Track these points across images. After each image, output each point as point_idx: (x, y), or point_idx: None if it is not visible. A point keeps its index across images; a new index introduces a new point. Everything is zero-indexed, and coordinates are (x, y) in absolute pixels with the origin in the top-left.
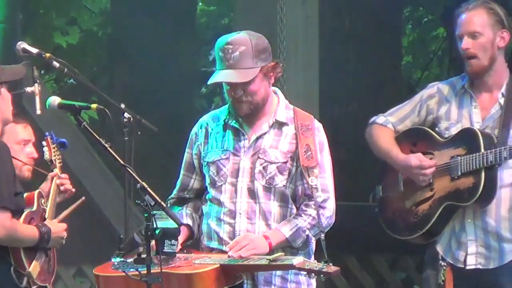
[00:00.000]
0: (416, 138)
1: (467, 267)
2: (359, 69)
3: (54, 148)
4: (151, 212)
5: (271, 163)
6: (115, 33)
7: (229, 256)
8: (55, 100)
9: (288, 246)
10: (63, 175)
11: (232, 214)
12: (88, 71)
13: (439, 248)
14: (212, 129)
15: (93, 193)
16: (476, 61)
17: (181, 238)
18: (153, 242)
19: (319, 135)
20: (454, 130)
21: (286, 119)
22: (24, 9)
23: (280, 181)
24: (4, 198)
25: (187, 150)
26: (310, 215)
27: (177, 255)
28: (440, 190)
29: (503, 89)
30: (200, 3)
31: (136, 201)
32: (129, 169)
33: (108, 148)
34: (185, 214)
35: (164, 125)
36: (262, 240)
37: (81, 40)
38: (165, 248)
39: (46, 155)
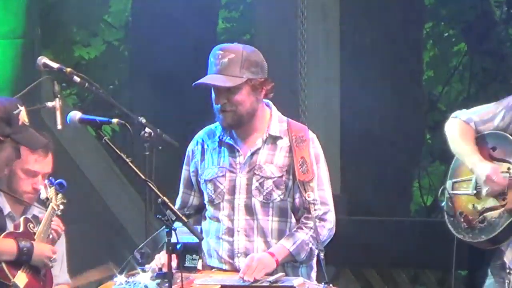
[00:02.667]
0: (496, 143)
1: None
2: (380, 84)
3: (52, 190)
4: (172, 227)
5: (267, 178)
6: (136, 48)
7: (244, 281)
8: (76, 114)
9: (292, 261)
10: (56, 219)
11: (230, 232)
12: (109, 85)
13: (507, 259)
14: (207, 146)
15: (113, 207)
16: None
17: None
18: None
19: (314, 146)
20: None
21: (280, 132)
22: (44, 24)
23: (278, 195)
24: None
25: (184, 167)
26: (311, 228)
27: (177, 276)
28: None
29: None
30: (221, 20)
31: (157, 216)
32: (150, 184)
33: (130, 163)
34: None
35: (185, 140)
36: (269, 258)
37: (102, 54)
38: (186, 263)
39: (43, 195)
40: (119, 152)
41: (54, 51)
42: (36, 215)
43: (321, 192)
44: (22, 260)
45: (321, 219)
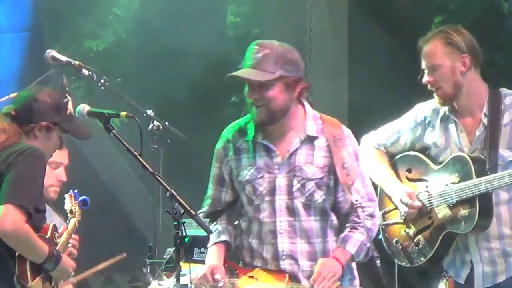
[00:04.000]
0: (410, 164)
1: None
2: (388, 78)
3: (75, 204)
4: (181, 220)
5: (309, 180)
6: (145, 40)
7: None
8: (84, 108)
9: (351, 262)
10: (75, 236)
11: (273, 234)
12: (117, 78)
13: (444, 263)
14: (240, 145)
15: (123, 201)
16: (441, 91)
17: (221, 258)
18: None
19: (352, 143)
20: (444, 156)
21: (317, 131)
22: (51, 17)
23: (320, 196)
24: (27, 201)
25: (215, 164)
26: (366, 227)
27: (223, 279)
28: (438, 218)
29: (484, 109)
30: (230, 14)
31: (166, 209)
32: (158, 177)
33: (138, 156)
34: (220, 230)
35: (193, 133)
36: (336, 264)
37: (111, 46)
38: (194, 256)
39: (67, 206)
40: (127, 145)
41: (62, 44)
42: (56, 225)
43: (367, 188)
44: (45, 266)
45: (372, 215)
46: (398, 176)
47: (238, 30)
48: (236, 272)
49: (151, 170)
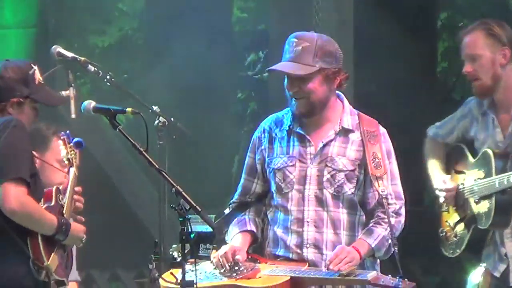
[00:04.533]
0: (457, 156)
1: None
2: (394, 74)
3: (70, 147)
4: (186, 216)
5: (340, 171)
6: (150, 37)
7: (328, 269)
8: (90, 104)
9: (371, 256)
10: (77, 188)
11: (300, 222)
12: (123, 74)
13: (482, 255)
14: (276, 134)
15: (128, 197)
16: (479, 83)
17: (245, 245)
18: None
19: (386, 141)
20: (481, 151)
21: (352, 125)
22: (57, 13)
23: (349, 189)
24: (20, 170)
25: (249, 154)
26: (388, 223)
27: (243, 264)
28: (468, 212)
29: None
30: (236, 10)
31: (171, 205)
32: (164, 173)
33: (143, 152)
34: (248, 220)
35: (199, 129)
36: (355, 252)
37: (116, 42)
38: (200, 252)
39: (63, 153)
40: (133, 142)
41: (67, 40)
42: (59, 188)
43: (395, 186)
44: (57, 237)
45: (397, 213)
46: (450, 167)
47: (244, 26)
48: (258, 261)
49: (156, 166)
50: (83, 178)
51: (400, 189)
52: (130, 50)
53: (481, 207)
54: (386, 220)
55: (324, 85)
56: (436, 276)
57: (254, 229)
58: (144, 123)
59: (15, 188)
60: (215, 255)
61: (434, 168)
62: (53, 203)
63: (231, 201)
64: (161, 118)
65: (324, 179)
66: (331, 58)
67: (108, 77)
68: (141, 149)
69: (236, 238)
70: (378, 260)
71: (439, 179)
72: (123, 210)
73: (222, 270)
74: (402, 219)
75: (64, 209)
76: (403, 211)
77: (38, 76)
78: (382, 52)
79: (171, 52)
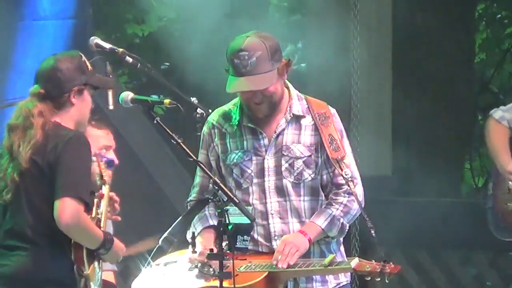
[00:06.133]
0: None
1: None
2: (432, 65)
3: (103, 165)
4: (224, 208)
5: (297, 158)
6: (188, 26)
7: (278, 268)
8: (128, 95)
9: (325, 237)
10: (112, 193)
11: (264, 215)
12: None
13: None
14: (226, 130)
15: (165, 188)
16: None
17: (210, 241)
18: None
19: (337, 122)
20: None
21: (302, 111)
22: (95, 4)
23: (309, 175)
24: (83, 192)
25: (201, 151)
26: (341, 203)
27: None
28: None
29: None
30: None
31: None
32: (201, 165)
33: (181, 144)
34: (208, 215)
35: None
36: (301, 237)
37: (155, 32)
38: (237, 243)
39: (96, 169)
40: (170, 133)
41: (105, 31)
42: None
43: (352, 165)
44: (100, 252)
45: (349, 192)
46: None
47: (282, 14)
48: (227, 257)
49: (194, 157)
50: (119, 167)
51: (353, 168)
52: (168, 41)
53: None
54: (339, 200)
55: (279, 82)
56: (473, 268)
57: (216, 223)
58: (182, 114)
59: (72, 204)
60: (191, 258)
61: (498, 151)
62: (93, 215)
63: (188, 199)
64: (199, 110)
65: (283, 168)
66: (279, 53)
67: (146, 68)
68: (179, 140)
69: (200, 235)
70: (341, 242)
71: (507, 164)
72: (160, 201)
73: (204, 272)
74: (357, 197)
75: (102, 222)
76: (358, 190)
77: (88, 63)
78: (420, 44)
79: (207, 44)
